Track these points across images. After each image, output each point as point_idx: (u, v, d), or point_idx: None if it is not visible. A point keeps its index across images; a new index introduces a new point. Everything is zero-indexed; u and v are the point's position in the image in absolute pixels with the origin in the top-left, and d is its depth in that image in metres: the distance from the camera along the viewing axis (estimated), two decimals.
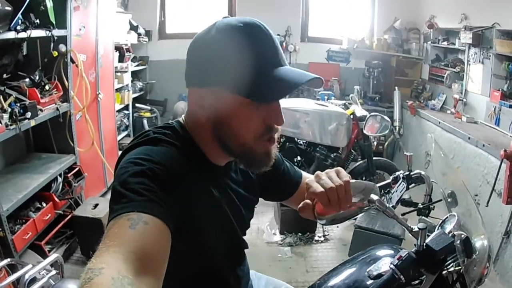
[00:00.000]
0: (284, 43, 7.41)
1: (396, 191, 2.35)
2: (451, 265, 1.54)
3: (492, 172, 3.89)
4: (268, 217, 4.98)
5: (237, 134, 1.19)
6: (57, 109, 3.81)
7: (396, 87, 6.98)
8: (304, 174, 1.71)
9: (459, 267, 1.51)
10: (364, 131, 4.80)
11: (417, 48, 7.23)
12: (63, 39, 3.83)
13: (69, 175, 4.07)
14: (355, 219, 3.69)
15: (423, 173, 2.32)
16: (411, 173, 2.35)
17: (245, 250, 1.57)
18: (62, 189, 3.99)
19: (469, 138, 4.72)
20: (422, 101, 6.68)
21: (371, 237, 3.60)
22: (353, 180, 1.42)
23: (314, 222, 5.11)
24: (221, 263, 1.36)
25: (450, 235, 1.45)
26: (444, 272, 1.52)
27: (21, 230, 3.37)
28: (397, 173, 2.40)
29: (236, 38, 1.14)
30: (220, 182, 1.33)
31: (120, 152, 3.37)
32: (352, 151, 5.09)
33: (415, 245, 1.43)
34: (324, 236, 4.63)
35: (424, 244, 1.39)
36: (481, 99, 5.38)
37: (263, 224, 4.84)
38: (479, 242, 1.55)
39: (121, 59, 5.92)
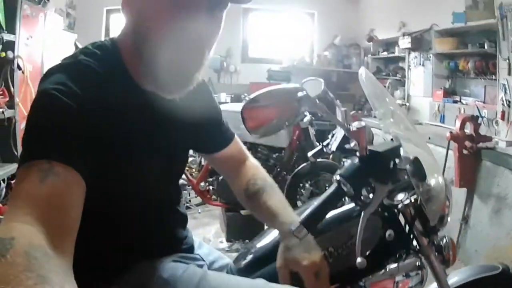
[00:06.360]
0: (224, 64, 7.32)
1: (336, 139, 2.15)
2: (405, 196, 1.38)
3: (441, 162, 3.74)
4: (214, 227, 4.80)
5: (146, 33, 1.05)
6: (3, 112, 3.70)
7: (338, 100, 6.83)
8: (236, 138, 1.52)
9: (415, 199, 1.37)
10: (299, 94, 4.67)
11: (358, 63, 7.27)
12: (11, 44, 3.74)
13: (12, 181, 3.90)
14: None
15: (363, 123, 2.16)
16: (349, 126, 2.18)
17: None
18: (5, 195, 3.86)
19: None
20: (365, 112, 6.59)
21: None
22: (278, 86, 1.34)
23: (261, 227, 4.81)
24: (138, 210, 1.19)
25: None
26: (400, 205, 1.37)
27: None
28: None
29: None
30: (146, 113, 1.16)
31: None
32: (294, 152, 4.84)
33: (356, 154, 1.27)
34: None
35: (367, 148, 1.23)
36: (424, 101, 5.45)
37: (209, 233, 4.63)
38: (433, 180, 1.36)
39: None
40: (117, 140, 1.04)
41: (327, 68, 7.28)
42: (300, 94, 1.28)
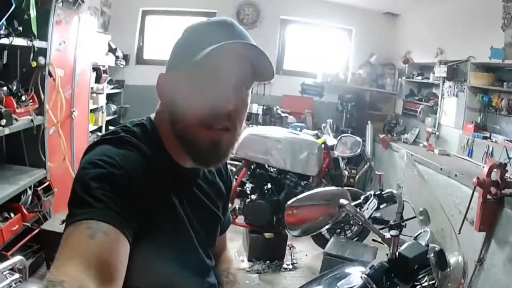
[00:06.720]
0: None
1: (367, 208, 2.27)
2: (425, 278, 1.49)
3: (464, 201, 3.84)
4: (236, 244, 4.88)
5: (181, 114, 1.13)
6: (32, 120, 3.73)
7: (369, 121, 6.91)
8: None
9: (433, 281, 1.46)
10: (336, 153, 4.84)
11: (392, 83, 7.27)
12: (42, 51, 3.74)
13: (39, 188, 3.99)
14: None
15: (394, 191, 2.27)
16: (383, 192, 2.29)
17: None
18: (31, 202, 3.91)
19: (441, 169, 4.68)
20: (394, 135, 6.66)
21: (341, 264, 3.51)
22: (323, 188, 1.49)
23: (283, 250, 4.94)
24: (175, 280, 1.24)
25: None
26: (418, 286, 1.48)
27: None
28: (368, 192, 2.35)
29: (196, 27, 1.17)
30: (184, 189, 1.25)
31: None
32: (323, 180, 4.99)
33: (387, 254, 1.42)
34: (292, 264, 4.52)
35: (397, 252, 1.37)
36: (454, 132, 5.44)
37: (231, 250, 4.63)
38: (453, 258, 1.51)
39: (98, 80, 5.77)
40: (157, 212, 1.10)
41: (360, 86, 7.28)
42: (342, 201, 1.43)
